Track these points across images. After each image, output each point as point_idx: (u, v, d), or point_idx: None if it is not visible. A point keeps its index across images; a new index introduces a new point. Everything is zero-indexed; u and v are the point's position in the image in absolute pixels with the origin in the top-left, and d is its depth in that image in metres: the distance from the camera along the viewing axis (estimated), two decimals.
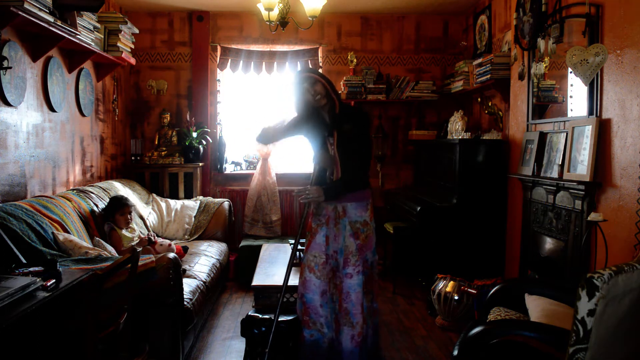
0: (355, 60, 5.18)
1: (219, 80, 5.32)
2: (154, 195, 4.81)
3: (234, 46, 5.22)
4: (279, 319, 2.84)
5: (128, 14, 5.05)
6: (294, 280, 3.23)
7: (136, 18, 5.05)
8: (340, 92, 5.06)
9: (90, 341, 1.84)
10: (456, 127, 4.57)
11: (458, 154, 4.03)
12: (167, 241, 3.82)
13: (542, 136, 3.39)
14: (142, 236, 3.73)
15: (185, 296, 2.93)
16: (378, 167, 5.27)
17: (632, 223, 2.44)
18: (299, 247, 3.84)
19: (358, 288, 2.66)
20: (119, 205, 3.55)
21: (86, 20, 3.50)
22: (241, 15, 5.25)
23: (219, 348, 3.25)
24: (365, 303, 2.68)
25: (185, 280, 3.07)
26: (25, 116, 3.16)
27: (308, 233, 2.82)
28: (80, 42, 3.43)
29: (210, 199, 4.93)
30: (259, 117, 5.30)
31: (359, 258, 2.68)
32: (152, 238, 3.67)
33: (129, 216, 3.58)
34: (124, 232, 3.52)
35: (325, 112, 2.73)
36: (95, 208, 3.51)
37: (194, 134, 5.03)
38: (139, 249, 3.51)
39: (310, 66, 5.21)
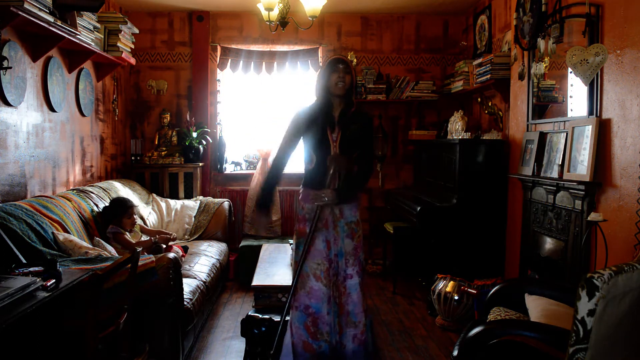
0: (355, 60, 5.17)
1: (219, 80, 5.32)
2: (154, 195, 4.81)
3: (234, 46, 5.22)
4: (277, 320, 2.84)
5: (128, 14, 5.05)
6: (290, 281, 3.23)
7: (136, 18, 5.04)
8: None
9: (90, 341, 1.84)
10: (456, 127, 4.56)
11: (458, 154, 4.03)
12: (180, 252, 3.76)
13: (542, 136, 3.38)
14: (166, 232, 3.77)
15: (185, 296, 2.94)
16: (378, 167, 5.26)
17: (632, 223, 2.44)
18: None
19: (358, 287, 2.68)
20: (125, 208, 3.50)
21: (86, 20, 3.50)
22: (241, 15, 5.25)
23: (219, 348, 3.25)
24: (364, 301, 2.70)
25: (185, 280, 3.07)
26: (25, 116, 3.16)
27: (300, 239, 2.76)
28: (80, 42, 3.43)
29: (210, 199, 4.93)
30: (258, 117, 5.30)
31: (356, 258, 2.70)
32: (173, 239, 3.68)
33: (134, 217, 3.58)
34: (129, 234, 3.51)
35: (336, 107, 2.71)
36: (95, 208, 3.50)
37: (194, 134, 5.03)
38: (155, 240, 3.54)
39: (311, 66, 5.21)
